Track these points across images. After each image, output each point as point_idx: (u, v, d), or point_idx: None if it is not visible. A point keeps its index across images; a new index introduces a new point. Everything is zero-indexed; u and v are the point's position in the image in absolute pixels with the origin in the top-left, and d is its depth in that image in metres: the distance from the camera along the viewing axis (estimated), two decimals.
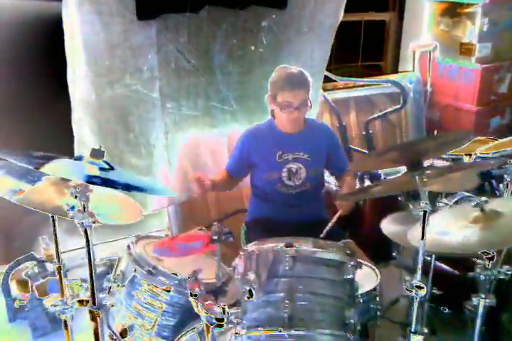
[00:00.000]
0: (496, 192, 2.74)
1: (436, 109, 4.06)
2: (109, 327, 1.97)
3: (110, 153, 2.78)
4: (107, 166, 1.60)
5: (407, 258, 2.72)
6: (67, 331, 2.01)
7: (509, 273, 1.76)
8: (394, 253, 2.77)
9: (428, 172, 1.59)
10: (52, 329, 2.61)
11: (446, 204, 2.50)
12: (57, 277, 1.93)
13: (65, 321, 1.97)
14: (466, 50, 3.73)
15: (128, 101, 2.80)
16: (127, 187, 1.57)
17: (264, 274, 1.52)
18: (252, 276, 1.51)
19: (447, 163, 2.75)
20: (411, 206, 1.59)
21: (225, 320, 1.43)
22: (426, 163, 1.76)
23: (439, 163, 2.69)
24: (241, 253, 1.62)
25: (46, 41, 2.70)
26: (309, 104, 2.28)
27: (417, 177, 1.53)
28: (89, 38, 2.55)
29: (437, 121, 4.06)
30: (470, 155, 2.99)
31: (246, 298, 1.50)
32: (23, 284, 2.71)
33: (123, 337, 1.91)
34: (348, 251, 1.61)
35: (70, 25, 2.51)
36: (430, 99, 4.04)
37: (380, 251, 2.78)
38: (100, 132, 2.82)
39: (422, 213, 1.55)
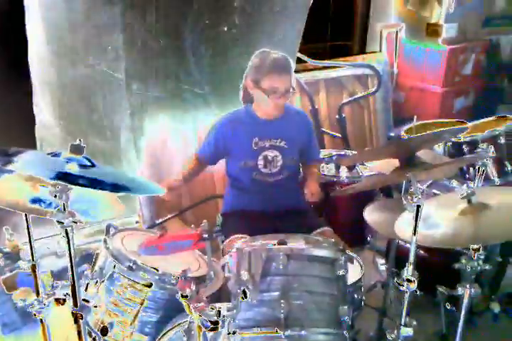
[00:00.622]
0: (467, 175, 2.78)
1: (401, 91, 4.07)
2: (88, 324, 1.89)
3: (73, 135, 2.69)
4: (88, 163, 1.49)
5: (381, 242, 2.75)
6: (44, 329, 1.94)
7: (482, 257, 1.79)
8: (368, 238, 2.79)
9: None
10: (22, 323, 2.52)
11: (419, 188, 2.52)
12: (32, 276, 1.83)
13: (41, 320, 1.89)
14: (432, 30, 3.73)
15: (91, 82, 2.69)
16: (114, 188, 1.46)
17: (258, 273, 1.47)
18: (245, 275, 1.46)
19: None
20: (404, 201, 1.56)
21: (220, 322, 1.38)
22: None
23: None
24: (232, 250, 1.57)
25: (6, 19, 2.52)
26: (293, 90, 2.21)
27: (410, 174, 1.51)
28: (50, 16, 2.43)
29: (402, 102, 4.08)
30: None
31: (240, 299, 1.44)
32: None
33: (104, 335, 1.85)
34: (340, 247, 1.58)
35: (31, 3, 2.38)
36: (396, 80, 4.05)
37: (354, 235, 2.80)
38: (62, 113, 2.75)
39: (415, 207, 1.54)
